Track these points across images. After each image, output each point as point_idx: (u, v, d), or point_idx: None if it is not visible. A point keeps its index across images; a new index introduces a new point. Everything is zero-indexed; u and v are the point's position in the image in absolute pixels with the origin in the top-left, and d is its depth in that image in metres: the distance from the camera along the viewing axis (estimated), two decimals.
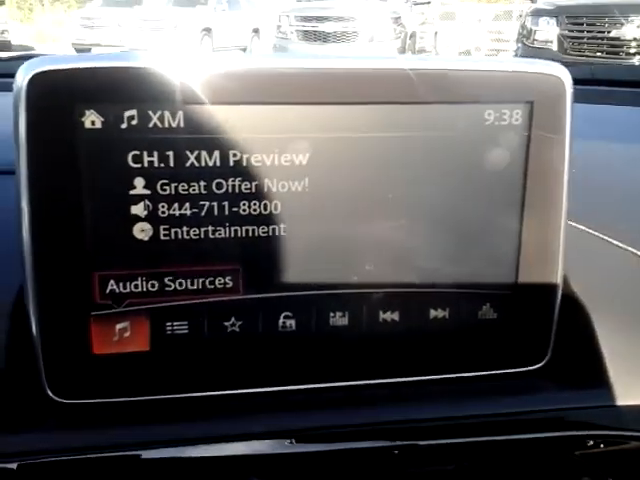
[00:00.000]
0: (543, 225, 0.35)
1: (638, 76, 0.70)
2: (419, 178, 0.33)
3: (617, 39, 5.67)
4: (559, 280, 0.36)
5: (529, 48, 5.94)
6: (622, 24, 5.67)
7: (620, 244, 0.39)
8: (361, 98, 0.32)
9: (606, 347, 0.35)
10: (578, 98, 0.63)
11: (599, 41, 5.73)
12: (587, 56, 5.73)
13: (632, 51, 5.66)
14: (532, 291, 0.36)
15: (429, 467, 0.35)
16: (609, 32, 5.70)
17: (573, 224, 0.40)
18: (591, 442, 0.34)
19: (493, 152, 0.34)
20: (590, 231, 0.40)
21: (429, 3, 8.69)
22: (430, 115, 0.33)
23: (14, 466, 0.29)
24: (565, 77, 0.33)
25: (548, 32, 5.83)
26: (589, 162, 0.49)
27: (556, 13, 5.83)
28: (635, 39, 5.61)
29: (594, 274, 0.38)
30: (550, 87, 0.33)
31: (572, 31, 5.80)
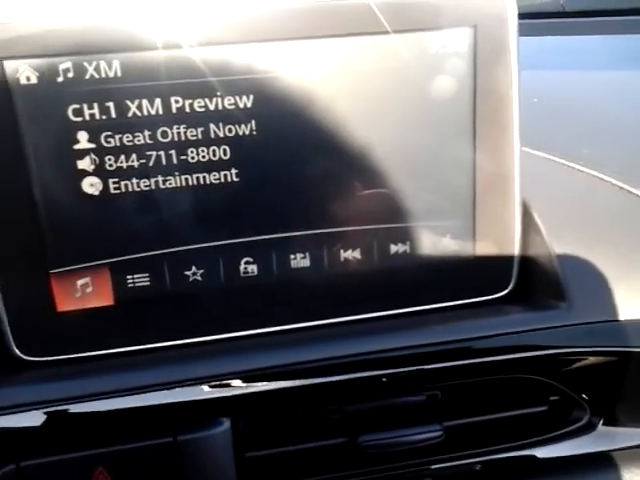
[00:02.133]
0: (496, 151, 0.35)
1: (609, 4, 0.69)
2: (367, 113, 0.33)
3: None
4: (517, 206, 0.36)
5: None
6: None
7: (581, 168, 0.39)
8: (301, 34, 0.31)
9: (568, 269, 0.35)
10: (548, 31, 0.62)
11: None
12: None
13: None
14: (491, 219, 0.36)
15: (400, 397, 0.35)
16: None
17: (533, 151, 0.40)
18: (557, 361, 0.34)
19: (440, 81, 0.33)
20: (550, 157, 0.40)
21: None
22: (372, 47, 0.32)
23: None
24: None
25: None
26: (554, 91, 0.49)
27: None
28: None
29: (554, 198, 0.38)
30: (492, 9, 0.33)
31: None
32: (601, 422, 0.36)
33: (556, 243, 0.36)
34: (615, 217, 0.38)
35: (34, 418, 0.31)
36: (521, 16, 0.33)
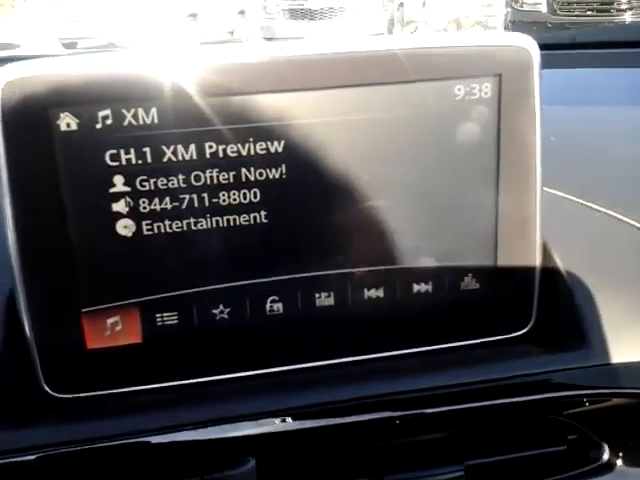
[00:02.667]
0: (519, 195, 0.36)
1: (621, 36, 0.70)
2: (394, 158, 0.34)
3: None
4: (538, 247, 0.36)
5: (518, 12, 5.88)
6: None
7: (597, 207, 0.40)
8: (331, 83, 0.32)
9: (587, 309, 0.36)
10: (559, 63, 0.63)
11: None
12: (577, 16, 5.66)
13: (623, 7, 5.58)
14: (512, 259, 0.37)
15: (423, 436, 0.36)
16: None
17: (551, 191, 0.41)
18: (576, 401, 0.35)
19: (465, 127, 0.34)
20: (568, 197, 0.41)
21: None
22: (401, 95, 0.33)
23: (15, 461, 0.30)
24: (532, 48, 0.34)
25: None
26: (568, 128, 0.50)
27: None
28: None
29: (573, 238, 0.39)
30: (517, 59, 0.34)
31: None
32: (619, 462, 0.37)
33: (576, 284, 0.37)
34: (635, 258, 0.38)
35: (64, 456, 0.31)
36: None
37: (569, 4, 5.72)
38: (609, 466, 0.37)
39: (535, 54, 0.34)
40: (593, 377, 0.35)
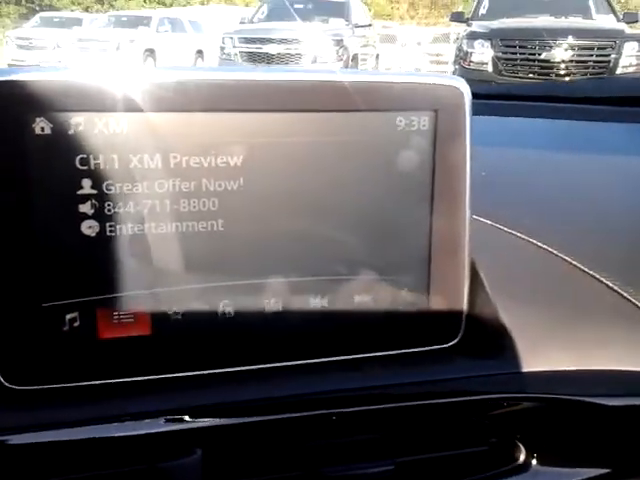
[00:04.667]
0: (450, 218, 0.40)
1: (548, 92, 0.78)
2: (340, 179, 0.38)
3: (547, 61, 6.00)
4: (466, 266, 0.41)
5: (465, 70, 6.21)
6: (551, 47, 6.01)
7: (520, 235, 0.45)
8: (289, 106, 0.36)
9: (508, 323, 0.40)
10: (495, 111, 0.70)
11: (531, 63, 6.05)
12: (520, 77, 6.03)
13: (562, 72, 5.99)
14: (443, 277, 0.40)
15: (357, 435, 0.39)
16: (540, 54, 6.03)
17: (481, 219, 0.45)
18: (496, 404, 0.39)
19: (404, 154, 0.38)
20: (496, 225, 0.45)
21: (370, 26, 8.95)
22: (350, 122, 0.37)
23: None
24: (464, 88, 0.38)
25: (483, 54, 6.12)
26: (500, 166, 0.55)
27: (490, 36, 6.14)
28: (563, 61, 5.96)
29: (498, 260, 0.43)
30: (451, 97, 0.38)
31: (505, 53, 6.10)
32: (534, 462, 0.41)
33: (498, 301, 0.41)
34: (548, 279, 0.43)
35: (19, 441, 0.33)
36: (476, 96, 0.39)
37: (514, 66, 6.10)
38: (525, 466, 0.40)
39: (467, 94, 0.38)
40: (511, 383, 0.39)
